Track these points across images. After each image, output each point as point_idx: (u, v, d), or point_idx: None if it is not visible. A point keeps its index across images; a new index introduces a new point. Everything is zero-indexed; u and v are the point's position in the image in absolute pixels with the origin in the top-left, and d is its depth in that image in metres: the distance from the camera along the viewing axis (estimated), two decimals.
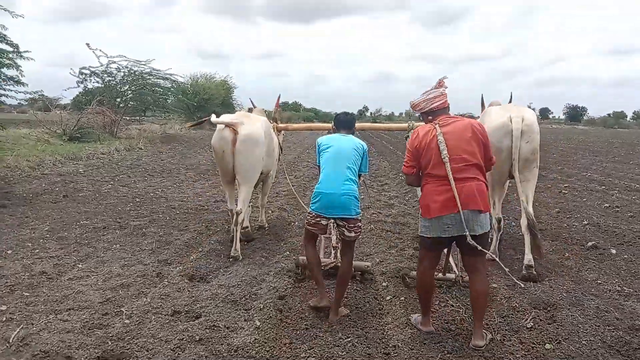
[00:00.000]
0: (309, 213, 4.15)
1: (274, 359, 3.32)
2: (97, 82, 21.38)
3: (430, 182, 3.60)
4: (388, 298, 4.39)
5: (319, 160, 4.19)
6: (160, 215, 7.48)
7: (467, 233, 3.42)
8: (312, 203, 4.09)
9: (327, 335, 3.65)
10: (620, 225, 6.88)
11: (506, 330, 3.74)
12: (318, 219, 4.06)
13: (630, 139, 34.38)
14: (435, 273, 4.09)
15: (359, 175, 4.20)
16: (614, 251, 5.69)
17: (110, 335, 3.54)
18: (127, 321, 3.77)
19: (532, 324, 3.81)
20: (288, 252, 5.60)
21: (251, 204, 6.67)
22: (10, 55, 11.59)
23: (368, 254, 5.70)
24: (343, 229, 4.03)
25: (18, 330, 3.53)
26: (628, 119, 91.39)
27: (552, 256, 5.58)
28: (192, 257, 5.41)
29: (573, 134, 41.39)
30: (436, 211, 3.50)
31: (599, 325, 3.76)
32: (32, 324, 3.67)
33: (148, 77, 22.03)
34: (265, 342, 3.47)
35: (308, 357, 3.34)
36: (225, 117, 5.79)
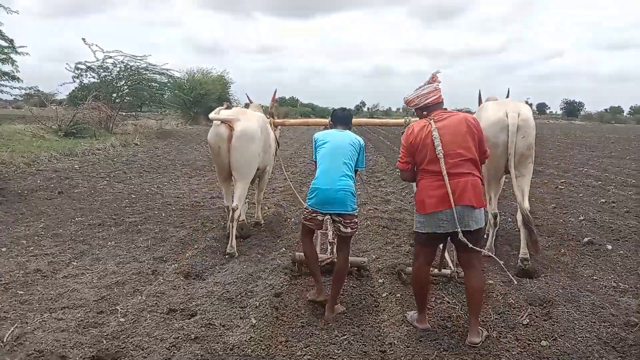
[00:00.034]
0: (305, 208, 4.16)
1: (269, 357, 3.31)
2: (93, 77, 21.28)
3: (425, 177, 3.59)
4: (384, 295, 4.39)
5: (316, 156, 4.19)
6: (156, 212, 7.46)
7: (460, 230, 3.41)
8: (308, 198, 4.10)
9: (323, 333, 3.65)
10: (616, 221, 6.89)
11: (502, 327, 3.73)
12: (314, 215, 4.06)
13: (627, 134, 34.41)
14: (431, 269, 4.08)
15: (356, 171, 4.19)
16: (609, 247, 5.70)
17: (105, 334, 3.53)
18: (122, 319, 3.76)
19: (528, 320, 3.81)
20: (284, 249, 5.59)
21: (247, 199, 6.66)
22: (6, 51, 11.52)
23: (364, 250, 5.70)
24: (339, 224, 4.02)
25: (12, 329, 3.51)
26: (625, 114, 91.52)
27: (548, 252, 5.58)
28: (187, 254, 5.40)
29: (570, 129, 41.43)
30: (431, 207, 3.49)
31: (594, 322, 3.77)
32: (27, 323, 3.66)
33: (144, 72, 21.92)
34: (261, 340, 3.47)
35: (304, 355, 3.34)
36: (223, 113, 5.76)
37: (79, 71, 20.60)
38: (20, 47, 11.87)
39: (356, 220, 4.11)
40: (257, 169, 5.95)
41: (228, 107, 6.13)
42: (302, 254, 4.58)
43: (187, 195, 8.95)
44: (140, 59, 21.20)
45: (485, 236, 5.55)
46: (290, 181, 7.39)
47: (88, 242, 5.81)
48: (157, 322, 3.73)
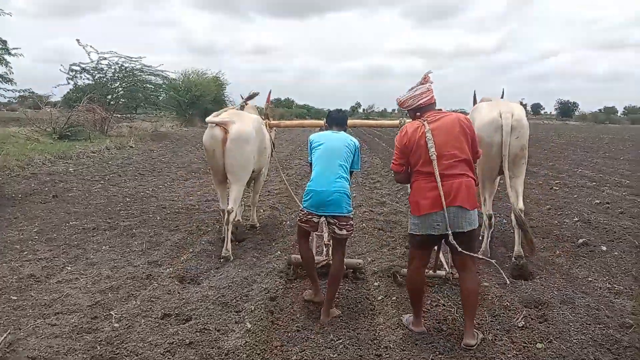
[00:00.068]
0: (301, 210, 4.16)
1: None
2: (88, 78, 21.20)
3: (419, 179, 3.59)
4: (380, 298, 4.38)
5: (311, 158, 4.19)
6: (151, 215, 7.43)
7: (450, 232, 3.42)
8: (304, 200, 4.10)
9: (318, 337, 3.64)
10: (611, 222, 6.91)
11: (497, 329, 3.73)
12: (310, 217, 4.07)
13: (621, 134, 34.57)
14: (426, 270, 4.08)
15: (351, 172, 4.19)
16: (604, 248, 5.71)
17: (100, 339, 3.50)
18: (116, 325, 3.73)
19: (523, 323, 3.81)
20: (280, 252, 5.57)
21: (243, 202, 6.64)
22: None
23: (360, 253, 5.69)
24: (334, 226, 4.02)
25: (5, 335, 3.48)
26: (619, 114, 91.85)
27: (543, 253, 5.59)
28: (182, 258, 5.38)
29: (564, 130, 41.59)
30: (426, 208, 3.49)
31: (589, 324, 3.77)
32: (20, 329, 3.63)
33: (139, 73, 21.87)
34: (256, 345, 3.45)
35: (299, 359, 3.32)
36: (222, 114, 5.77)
37: (74, 73, 20.54)
38: (13, 48, 11.86)
39: (352, 222, 4.11)
40: (252, 172, 5.94)
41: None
42: (298, 256, 4.61)
43: (182, 198, 8.92)
44: (135, 60, 21.17)
45: (480, 238, 5.57)
46: (288, 183, 7.38)
47: (82, 246, 5.78)
48: (152, 327, 3.71)
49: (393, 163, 3.80)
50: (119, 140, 17.75)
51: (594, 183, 10.63)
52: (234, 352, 3.34)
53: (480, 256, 3.65)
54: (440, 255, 4.63)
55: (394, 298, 4.34)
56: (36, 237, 6.11)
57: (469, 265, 3.59)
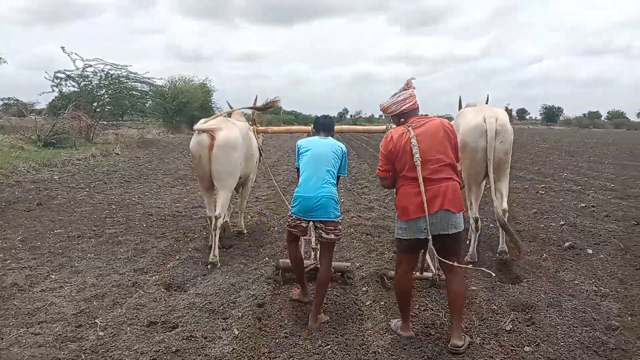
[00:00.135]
0: (289, 216, 4.19)
1: None
2: (73, 86, 21.10)
3: (405, 184, 3.60)
4: (368, 303, 4.37)
5: (299, 163, 4.19)
6: (137, 223, 7.35)
7: (430, 237, 3.46)
8: (292, 206, 4.13)
9: (306, 343, 3.61)
10: (596, 225, 6.97)
11: (485, 333, 3.74)
12: (298, 222, 4.09)
13: (605, 138, 35.04)
14: (413, 273, 4.09)
15: (338, 178, 4.20)
16: (590, 251, 5.75)
17: (84, 348, 3.45)
18: (101, 333, 3.68)
19: (511, 326, 3.82)
20: (267, 258, 5.54)
21: (231, 206, 6.60)
22: None
23: (348, 258, 5.67)
24: (321, 231, 4.03)
25: None
26: (603, 118, 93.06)
27: (530, 257, 5.62)
28: (169, 266, 5.32)
29: (549, 135, 42.01)
30: (414, 213, 3.50)
31: (576, 326, 3.80)
32: (2, 339, 3.56)
33: (125, 80, 21.77)
34: (244, 352, 3.42)
35: None
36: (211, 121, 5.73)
37: (58, 80, 20.44)
38: None
39: (340, 227, 4.11)
40: (240, 178, 5.91)
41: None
42: (286, 260, 4.65)
43: (168, 205, 8.85)
44: (121, 68, 21.08)
45: (467, 242, 5.60)
46: (275, 189, 7.37)
47: (67, 254, 5.70)
48: (138, 335, 3.66)
49: (379, 169, 3.81)
50: (105, 148, 17.61)
51: (579, 187, 10.73)
52: (221, 359, 3.31)
53: (463, 266, 3.65)
54: (427, 257, 4.64)
55: (382, 303, 4.34)
56: (20, 245, 6.02)
57: (455, 267, 3.61)
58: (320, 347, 3.54)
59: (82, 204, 8.74)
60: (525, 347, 3.51)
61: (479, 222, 5.61)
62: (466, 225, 4.63)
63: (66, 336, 3.63)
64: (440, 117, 4.07)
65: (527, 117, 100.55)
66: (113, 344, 3.51)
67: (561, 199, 9.25)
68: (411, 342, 3.60)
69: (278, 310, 4.21)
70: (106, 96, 21.85)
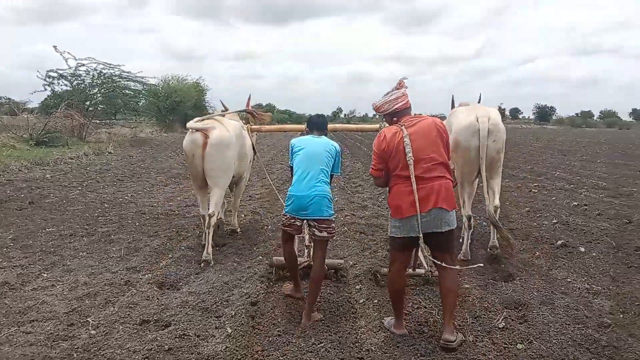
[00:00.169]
0: (283, 215, 4.19)
1: None
2: (66, 85, 20.97)
3: (399, 182, 3.61)
4: (361, 301, 4.37)
5: (292, 162, 4.19)
6: (129, 221, 7.32)
7: (421, 235, 3.49)
8: (286, 205, 4.13)
9: (300, 341, 3.60)
10: (589, 223, 7.00)
11: (478, 331, 3.75)
12: (292, 221, 4.10)
13: (597, 137, 35.22)
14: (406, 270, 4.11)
15: (331, 176, 4.20)
16: (582, 249, 5.78)
17: (76, 347, 3.43)
18: (93, 332, 3.66)
19: (503, 324, 3.83)
20: (261, 257, 5.53)
21: (225, 201, 6.59)
22: None
23: (342, 256, 5.66)
24: (314, 229, 4.04)
25: None
26: (595, 118, 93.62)
27: (522, 255, 5.64)
28: (161, 264, 5.30)
29: (542, 134, 42.20)
30: (408, 211, 3.51)
31: (568, 324, 3.81)
32: None
33: (118, 79, 21.68)
34: (237, 350, 3.41)
35: None
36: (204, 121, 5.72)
37: (51, 79, 20.29)
38: None
39: (333, 225, 4.12)
40: (233, 177, 5.90)
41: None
42: (280, 258, 4.69)
43: (161, 203, 8.81)
44: (114, 67, 20.99)
45: (460, 240, 5.62)
46: (269, 187, 7.36)
47: (59, 253, 5.66)
48: (130, 333, 3.64)
49: (372, 168, 3.82)
50: (98, 146, 17.52)
51: (572, 185, 10.78)
52: (214, 358, 3.30)
53: (453, 267, 3.66)
54: (420, 253, 4.65)
55: (376, 301, 4.34)
56: (11, 244, 5.98)
57: (448, 264, 3.62)
58: (314, 345, 3.53)
59: (75, 202, 8.69)
60: (518, 344, 3.52)
61: (472, 220, 5.64)
62: (459, 223, 4.65)
63: (58, 335, 3.61)
64: (433, 116, 4.08)
65: (520, 116, 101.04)
66: (105, 343, 3.49)
67: (554, 198, 9.28)
68: (404, 339, 3.60)
69: (271, 309, 4.20)
70: (99, 95, 21.75)
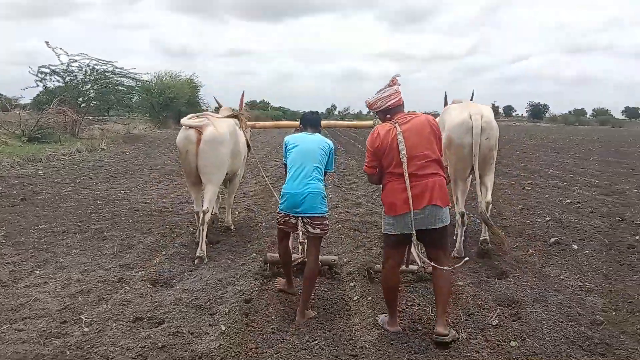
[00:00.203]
0: (278, 213, 4.19)
1: None
2: (58, 81, 20.82)
3: (392, 180, 3.61)
4: (355, 298, 4.37)
5: (286, 159, 4.19)
6: (123, 218, 7.29)
7: (413, 232, 3.51)
8: (280, 203, 4.14)
9: (294, 338, 3.60)
10: (582, 221, 7.04)
11: (472, 328, 3.76)
12: (287, 218, 4.11)
13: (590, 135, 35.42)
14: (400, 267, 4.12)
15: (325, 173, 4.20)
16: (575, 247, 5.81)
17: (69, 344, 3.41)
18: (86, 329, 3.64)
19: (497, 321, 3.84)
20: (255, 254, 5.52)
21: (219, 196, 6.57)
22: None
23: (336, 254, 5.66)
24: (307, 226, 4.05)
25: None
26: (588, 116, 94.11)
27: (516, 253, 5.66)
28: (155, 261, 5.28)
29: (535, 131, 42.36)
30: (401, 208, 3.51)
31: (562, 321, 3.83)
32: None
33: (111, 75, 21.56)
34: (231, 348, 3.40)
35: None
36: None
37: (43, 75, 20.14)
38: None
39: (326, 222, 4.13)
40: (227, 174, 5.89)
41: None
42: (274, 254, 4.74)
43: (155, 200, 8.78)
44: (107, 63, 20.87)
45: (454, 237, 5.63)
46: (263, 185, 7.35)
47: (51, 250, 5.63)
48: (123, 331, 3.63)
49: (366, 165, 3.82)
50: (91, 143, 17.42)
51: (565, 183, 10.83)
52: (207, 355, 3.29)
53: (445, 268, 3.67)
54: (413, 249, 4.67)
55: (370, 298, 4.34)
56: (3, 240, 5.94)
57: (442, 261, 3.64)
58: (308, 343, 3.53)
59: (67, 199, 8.64)
60: (512, 342, 3.53)
61: (465, 217, 5.66)
62: (452, 220, 4.66)
63: (51, 332, 3.59)
64: (427, 113, 4.09)
65: (514, 114, 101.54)
66: (98, 340, 3.47)
67: (547, 195, 9.32)
68: (398, 337, 3.61)
69: (265, 306, 4.19)
70: (92, 91, 21.61)
